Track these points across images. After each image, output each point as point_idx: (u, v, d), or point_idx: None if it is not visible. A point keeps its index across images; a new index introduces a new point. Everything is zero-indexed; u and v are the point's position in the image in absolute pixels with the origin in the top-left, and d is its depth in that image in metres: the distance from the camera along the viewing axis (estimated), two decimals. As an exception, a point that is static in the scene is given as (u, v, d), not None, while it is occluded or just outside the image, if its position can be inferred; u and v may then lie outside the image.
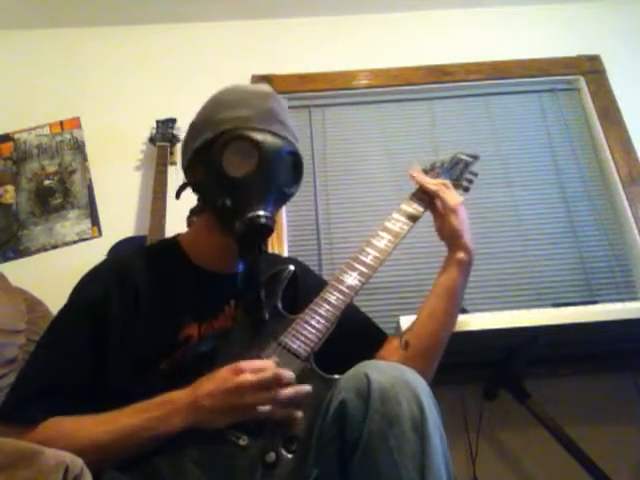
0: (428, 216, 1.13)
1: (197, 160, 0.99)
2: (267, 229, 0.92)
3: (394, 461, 0.68)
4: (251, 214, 0.90)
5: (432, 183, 1.12)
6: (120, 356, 0.90)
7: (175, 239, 1.10)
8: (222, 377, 0.81)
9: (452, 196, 1.10)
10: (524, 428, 1.64)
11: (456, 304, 1.07)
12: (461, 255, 1.06)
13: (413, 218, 1.10)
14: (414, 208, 1.11)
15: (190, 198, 1.07)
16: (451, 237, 1.08)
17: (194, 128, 1.01)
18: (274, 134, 0.95)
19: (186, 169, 1.03)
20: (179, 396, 0.82)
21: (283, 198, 1.01)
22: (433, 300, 1.06)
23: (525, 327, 1.28)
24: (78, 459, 0.71)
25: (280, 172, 0.96)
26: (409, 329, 1.06)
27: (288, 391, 0.81)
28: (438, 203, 1.10)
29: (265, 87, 1.02)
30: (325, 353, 0.92)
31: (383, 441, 0.68)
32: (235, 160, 0.93)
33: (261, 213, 0.90)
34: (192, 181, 1.03)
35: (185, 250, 1.05)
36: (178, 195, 1.06)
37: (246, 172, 0.92)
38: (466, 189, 1.23)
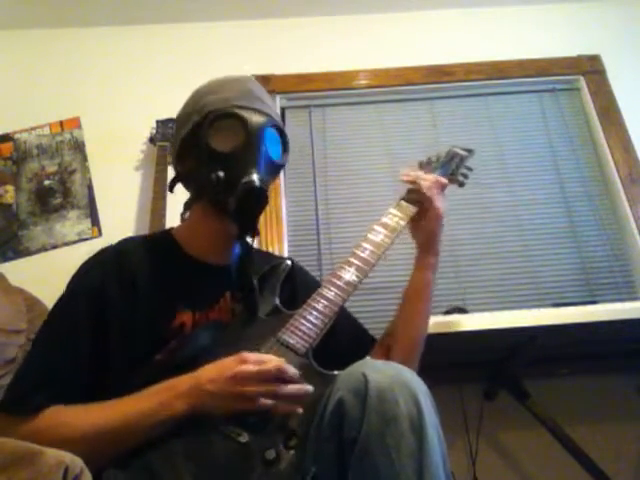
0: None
1: (185, 147, 1.02)
2: (262, 192, 0.95)
3: (392, 461, 0.67)
4: (245, 179, 0.93)
5: (427, 186, 1.11)
6: (118, 345, 0.91)
7: (169, 232, 1.10)
8: (225, 364, 0.82)
9: (443, 203, 1.11)
10: (524, 428, 1.64)
11: (429, 305, 1.10)
12: (432, 260, 1.10)
13: (409, 214, 1.11)
14: (410, 204, 1.12)
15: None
16: (429, 240, 1.11)
17: (179, 120, 1.05)
18: (256, 110, 0.99)
19: (176, 161, 1.05)
20: (181, 381, 0.83)
21: (273, 168, 1.03)
22: (407, 305, 1.10)
23: (525, 327, 1.28)
24: (78, 459, 0.71)
25: (266, 143, 0.99)
26: (388, 334, 1.10)
27: (290, 388, 0.81)
28: (429, 207, 1.10)
29: (241, 74, 1.09)
30: (320, 351, 0.93)
31: (381, 440, 0.68)
32: (222, 137, 0.97)
33: (254, 177, 0.93)
34: (182, 171, 1.05)
35: (180, 242, 1.06)
36: (171, 188, 1.07)
37: (234, 146, 0.96)
38: (461, 184, 1.23)
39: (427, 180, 1.12)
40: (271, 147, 1.00)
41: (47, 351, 0.91)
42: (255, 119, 0.98)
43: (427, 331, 1.10)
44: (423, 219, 1.11)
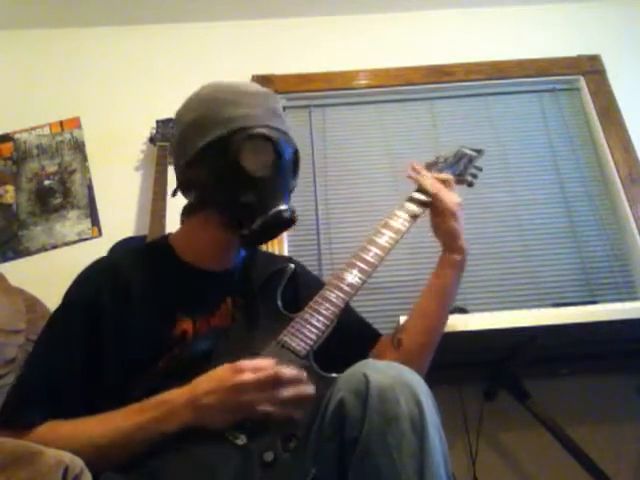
0: (429, 214, 1.13)
1: (203, 158, 0.97)
2: (292, 222, 0.97)
3: (393, 461, 0.67)
4: (276, 209, 0.94)
5: (430, 183, 1.11)
6: (116, 356, 0.90)
7: (165, 239, 1.09)
8: (221, 376, 0.81)
9: (451, 197, 1.09)
10: (524, 428, 1.64)
11: (448, 304, 1.07)
12: (456, 256, 1.07)
13: (414, 215, 1.10)
14: (416, 205, 1.11)
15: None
16: (448, 238, 1.08)
17: (196, 125, 0.98)
18: (281, 132, 0.99)
19: (187, 165, 1.00)
20: (176, 395, 0.82)
21: (290, 192, 1.05)
22: (426, 300, 1.06)
23: (525, 327, 1.28)
24: (78, 459, 0.71)
25: (290, 168, 1.01)
26: (402, 329, 1.06)
27: (289, 391, 0.80)
28: (437, 203, 1.09)
29: (258, 86, 1.06)
30: (321, 352, 0.93)
31: (382, 440, 0.68)
32: (252, 157, 0.95)
33: (284, 207, 0.95)
34: (194, 178, 1.00)
35: (176, 249, 1.05)
36: (175, 193, 1.06)
37: (264, 169, 0.95)
38: (470, 184, 1.22)
39: (429, 177, 1.12)
40: (291, 172, 1.02)
41: (43, 365, 0.91)
42: (282, 142, 0.97)
43: (443, 330, 1.07)
44: (437, 217, 1.09)
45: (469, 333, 1.25)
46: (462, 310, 1.45)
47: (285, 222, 0.96)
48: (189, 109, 1.02)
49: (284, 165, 0.98)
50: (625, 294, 1.92)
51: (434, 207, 1.10)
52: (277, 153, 0.96)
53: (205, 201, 1.01)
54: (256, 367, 0.81)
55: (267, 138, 0.96)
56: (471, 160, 1.23)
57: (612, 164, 2.09)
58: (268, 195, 0.95)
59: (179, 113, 1.04)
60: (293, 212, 0.97)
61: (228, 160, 0.94)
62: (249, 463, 0.76)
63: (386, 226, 1.08)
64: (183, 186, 1.04)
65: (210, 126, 0.96)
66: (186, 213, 1.06)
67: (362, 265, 1.02)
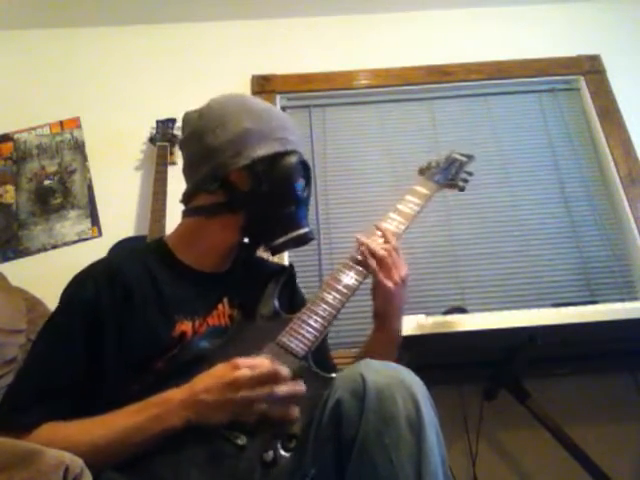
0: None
1: (258, 166, 0.99)
2: (312, 240, 1.06)
3: (390, 460, 0.68)
4: (304, 230, 1.03)
5: (375, 258, 1.04)
6: (115, 356, 0.90)
7: (162, 240, 1.09)
8: (219, 373, 0.82)
9: (390, 279, 1.03)
10: (524, 428, 1.64)
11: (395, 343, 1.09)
12: (386, 335, 1.08)
13: (409, 217, 1.11)
14: (415, 203, 1.13)
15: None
16: (379, 317, 1.08)
17: (255, 134, 1.01)
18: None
19: (239, 170, 0.99)
20: (175, 394, 0.82)
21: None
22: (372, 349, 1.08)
23: (525, 327, 1.28)
24: (78, 459, 0.71)
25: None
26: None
27: (284, 388, 0.81)
28: (375, 283, 1.06)
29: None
30: (318, 357, 0.93)
31: (379, 440, 0.69)
32: (297, 179, 1.03)
33: (309, 229, 1.04)
34: (238, 182, 1.00)
35: (175, 250, 1.05)
36: (205, 186, 1.04)
37: (302, 193, 1.04)
38: (462, 189, 1.24)
39: (378, 251, 1.05)
40: None
41: (42, 365, 0.90)
42: (310, 176, 1.07)
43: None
44: (374, 290, 1.06)
45: (469, 333, 1.25)
46: (462, 310, 1.45)
47: (307, 241, 1.04)
48: (241, 116, 1.02)
49: (309, 195, 1.07)
50: (625, 294, 1.92)
51: (374, 284, 1.06)
52: (308, 181, 1.06)
53: (239, 205, 1.01)
54: (252, 364, 0.81)
55: (307, 169, 1.05)
56: (462, 165, 1.24)
57: (612, 164, 2.08)
58: (301, 213, 1.04)
59: (224, 114, 1.03)
60: (312, 232, 1.05)
61: (281, 175, 1.00)
62: (249, 463, 0.76)
63: (380, 229, 1.09)
64: (214, 184, 1.01)
65: (268, 140, 1.01)
66: (202, 211, 1.04)
67: (358, 267, 1.02)
